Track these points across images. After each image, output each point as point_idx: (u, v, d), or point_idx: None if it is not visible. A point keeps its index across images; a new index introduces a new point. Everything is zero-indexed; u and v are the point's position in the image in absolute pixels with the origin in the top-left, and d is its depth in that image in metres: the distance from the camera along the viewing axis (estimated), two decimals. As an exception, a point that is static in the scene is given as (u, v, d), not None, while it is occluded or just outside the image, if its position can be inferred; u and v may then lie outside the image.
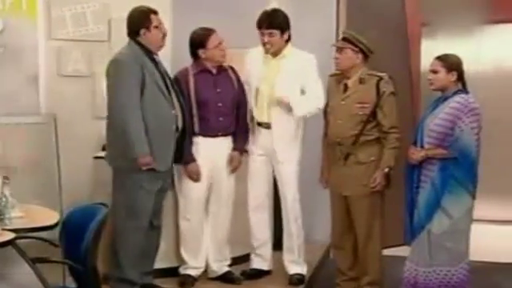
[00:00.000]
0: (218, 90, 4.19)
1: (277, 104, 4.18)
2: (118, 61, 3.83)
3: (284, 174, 4.27)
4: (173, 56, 4.52)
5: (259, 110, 4.26)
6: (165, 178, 4.01)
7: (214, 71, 4.21)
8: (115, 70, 3.81)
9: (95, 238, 3.11)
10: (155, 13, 3.92)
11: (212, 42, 4.12)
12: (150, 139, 3.79)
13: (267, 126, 4.25)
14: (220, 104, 4.17)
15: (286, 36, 4.21)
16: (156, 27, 3.90)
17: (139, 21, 3.90)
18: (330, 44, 4.21)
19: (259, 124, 4.28)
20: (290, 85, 4.17)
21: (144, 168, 3.78)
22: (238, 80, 4.29)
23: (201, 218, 4.27)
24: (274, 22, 4.18)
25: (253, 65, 4.31)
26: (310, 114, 4.21)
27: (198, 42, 4.15)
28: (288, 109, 4.16)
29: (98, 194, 4.12)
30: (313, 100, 4.19)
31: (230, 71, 4.28)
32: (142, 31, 3.88)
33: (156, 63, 3.93)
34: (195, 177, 4.14)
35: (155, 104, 3.84)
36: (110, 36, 4.57)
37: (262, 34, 4.18)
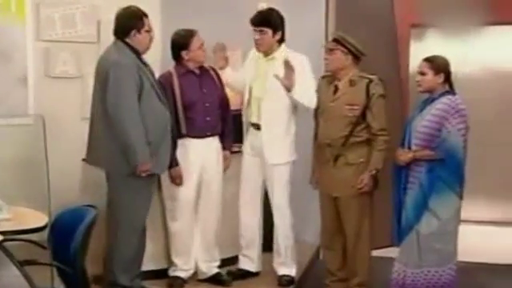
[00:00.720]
0: (204, 90, 4.21)
1: (276, 78, 4.15)
2: (119, 64, 3.76)
3: (272, 175, 4.29)
4: (162, 58, 4.54)
5: (251, 111, 4.29)
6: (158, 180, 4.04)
7: (198, 72, 4.23)
8: (117, 73, 3.73)
9: (84, 240, 3.11)
10: (147, 16, 3.91)
11: (195, 43, 4.14)
12: (150, 143, 3.79)
13: (258, 127, 4.27)
14: (207, 104, 4.19)
15: (277, 36, 4.22)
16: (147, 31, 3.88)
17: (131, 21, 3.86)
18: (320, 45, 4.22)
19: (252, 124, 4.31)
20: (280, 87, 4.19)
21: (143, 174, 3.78)
22: (220, 80, 4.33)
23: (190, 220, 4.27)
24: (266, 20, 4.20)
25: (248, 65, 4.36)
26: (301, 102, 4.19)
27: (181, 43, 4.15)
28: (287, 86, 4.13)
29: (87, 196, 4.13)
30: (307, 95, 4.19)
31: (211, 71, 4.31)
32: (133, 32, 3.85)
33: (146, 65, 3.93)
34: (178, 181, 4.15)
35: (153, 107, 3.83)
36: (99, 37, 4.58)
37: (254, 32, 4.21)
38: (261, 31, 4.19)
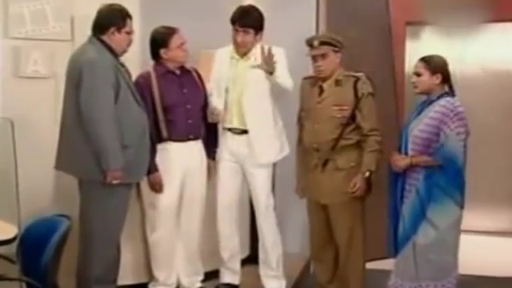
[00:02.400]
0: (185, 91, 4.21)
1: (256, 67, 4.17)
2: (95, 63, 3.74)
3: (257, 179, 4.30)
4: (141, 60, 4.53)
5: (228, 115, 4.28)
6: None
7: (178, 72, 4.23)
8: (92, 73, 3.71)
9: (56, 253, 3.10)
10: (131, 18, 3.90)
11: (175, 41, 4.14)
12: (127, 148, 3.78)
13: (240, 131, 4.27)
14: (188, 106, 4.19)
15: (258, 37, 4.24)
16: (127, 33, 3.88)
17: (113, 18, 3.85)
18: (306, 54, 4.20)
19: (229, 129, 4.30)
20: (261, 88, 4.21)
21: (114, 182, 3.76)
22: (202, 82, 4.33)
23: (171, 230, 4.26)
24: (250, 21, 4.20)
25: (221, 66, 4.32)
26: (284, 86, 4.20)
27: (160, 41, 4.15)
28: (268, 70, 4.14)
29: (60, 205, 4.11)
30: (289, 79, 4.24)
31: (193, 73, 4.31)
32: (112, 30, 3.83)
33: (122, 65, 3.92)
34: (157, 188, 4.14)
35: (130, 109, 3.82)
36: (72, 35, 4.56)
37: (236, 31, 4.20)
38: (244, 32, 4.19)
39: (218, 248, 4.41)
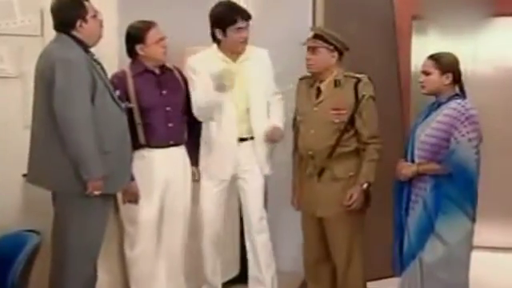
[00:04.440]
0: (164, 92, 4.22)
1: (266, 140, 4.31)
2: (67, 61, 3.71)
3: (249, 190, 4.32)
4: (120, 58, 4.53)
5: (235, 125, 4.30)
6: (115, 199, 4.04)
7: (157, 71, 4.23)
8: (65, 72, 3.69)
9: (25, 271, 3.10)
10: None
11: (152, 36, 4.15)
12: (108, 155, 3.76)
13: (246, 139, 4.33)
14: (168, 108, 4.21)
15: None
16: (94, 17, 3.86)
17: (73, 11, 3.83)
18: (300, 43, 4.24)
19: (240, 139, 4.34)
20: (262, 92, 4.24)
21: (96, 193, 3.74)
22: (185, 82, 4.33)
23: (152, 245, 4.27)
24: (246, 11, 4.24)
25: (208, 70, 4.24)
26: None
27: (136, 36, 4.18)
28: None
29: (29, 219, 4.09)
30: (278, 102, 4.40)
31: (175, 71, 4.31)
32: (79, 23, 3.82)
33: (97, 62, 3.90)
34: (133, 199, 4.15)
35: (108, 111, 3.81)
36: (42, 30, 4.54)
37: (240, 29, 4.19)
38: (247, 26, 4.21)
39: (202, 264, 4.43)
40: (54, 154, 3.76)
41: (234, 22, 4.18)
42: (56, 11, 3.86)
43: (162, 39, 4.19)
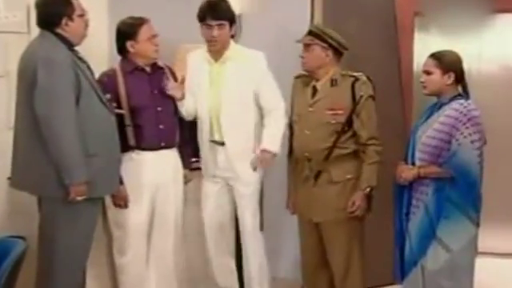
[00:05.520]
0: (156, 92, 4.22)
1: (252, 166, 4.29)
2: (51, 61, 3.71)
3: (242, 196, 4.32)
4: (110, 57, 4.54)
5: (211, 126, 4.31)
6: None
7: (149, 69, 4.24)
8: (48, 72, 3.68)
9: (10, 280, 3.09)
10: None
11: (144, 33, 4.16)
12: (93, 158, 3.76)
13: (218, 143, 4.31)
14: (160, 108, 4.21)
15: (233, 30, 4.27)
16: (80, 16, 3.86)
17: (59, 7, 3.84)
18: (295, 40, 4.25)
19: (213, 141, 4.33)
20: (237, 96, 4.22)
21: (78, 199, 3.73)
22: (176, 81, 4.34)
23: (142, 253, 4.27)
24: (223, 11, 4.22)
25: (195, 71, 4.33)
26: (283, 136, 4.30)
27: (127, 32, 4.18)
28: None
29: (14, 225, 4.10)
30: (277, 119, 4.28)
31: (166, 70, 4.33)
32: (64, 21, 3.82)
33: (83, 61, 3.90)
34: (122, 203, 4.15)
35: (94, 112, 3.81)
36: (29, 26, 4.55)
37: (209, 27, 4.19)
38: (219, 26, 4.19)
39: (196, 274, 4.43)
40: (37, 157, 3.76)
41: (204, 19, 4.20)
42: (41, 7, 3.86)
43: (154, 36, 4.20)
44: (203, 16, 4.20)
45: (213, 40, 4.20)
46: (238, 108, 4.26)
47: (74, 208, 3.78)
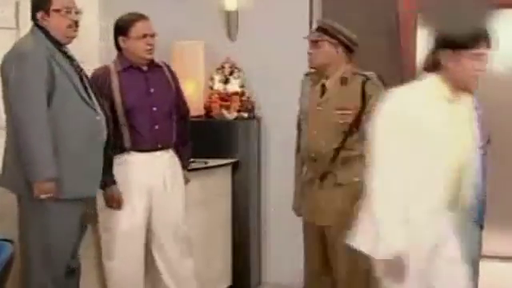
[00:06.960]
0: (152, 91, 4.20)
1: None
2: (24, 55, 3.70)
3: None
4: (101, 57, 4.54)
5: None
6: (88, 206, 3.99)
7: (145, 68, 4.23)
8: (20, 65, 3.67)
9: (-2, 284, 3.09)
10: None
11: (137, 30, 4.13)
12: (68, 157, 3.73)
13: None
14: (155, 108, 4.19)
15: None
16: (57, 11, 3.80)
17: (36, 1, 3.83)
18: (302, 36, 4.26)
19: None
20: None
21: (42, 197, 3.67)
22: (175, 80, 4.34)
23: (133, 258, 4.22)
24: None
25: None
26: None
27: (120, 28, 4.17)
28: None
29: (2, 227, 4.08)
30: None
31: (164, 69, 4.31)
32: (40, 14, 3.81)
33: (68, 57, 3.87)
34: (115, 205, 4.12)
35: (72, 110, 3.77)
36: (17, 22, 4.56)
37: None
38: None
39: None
40: (12, 155, 3.76)
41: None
42: None
43: (147, 35, 4.15)
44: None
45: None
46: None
47: (42, 207, 3.72)
